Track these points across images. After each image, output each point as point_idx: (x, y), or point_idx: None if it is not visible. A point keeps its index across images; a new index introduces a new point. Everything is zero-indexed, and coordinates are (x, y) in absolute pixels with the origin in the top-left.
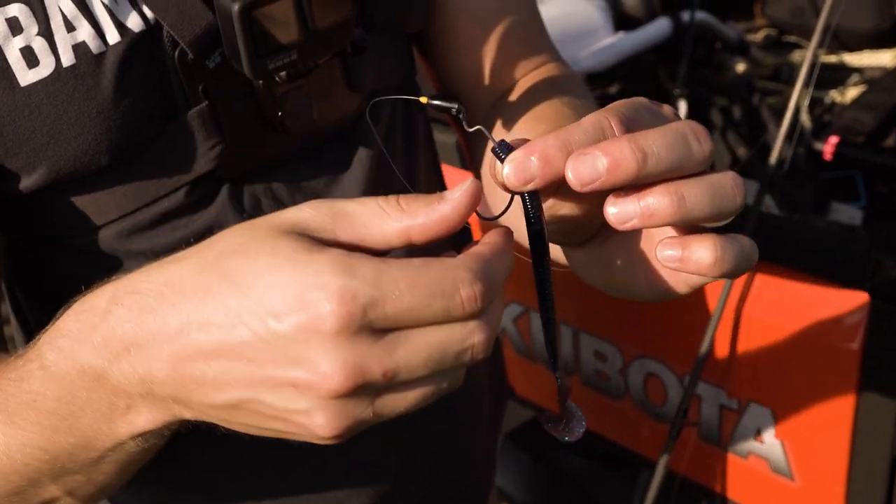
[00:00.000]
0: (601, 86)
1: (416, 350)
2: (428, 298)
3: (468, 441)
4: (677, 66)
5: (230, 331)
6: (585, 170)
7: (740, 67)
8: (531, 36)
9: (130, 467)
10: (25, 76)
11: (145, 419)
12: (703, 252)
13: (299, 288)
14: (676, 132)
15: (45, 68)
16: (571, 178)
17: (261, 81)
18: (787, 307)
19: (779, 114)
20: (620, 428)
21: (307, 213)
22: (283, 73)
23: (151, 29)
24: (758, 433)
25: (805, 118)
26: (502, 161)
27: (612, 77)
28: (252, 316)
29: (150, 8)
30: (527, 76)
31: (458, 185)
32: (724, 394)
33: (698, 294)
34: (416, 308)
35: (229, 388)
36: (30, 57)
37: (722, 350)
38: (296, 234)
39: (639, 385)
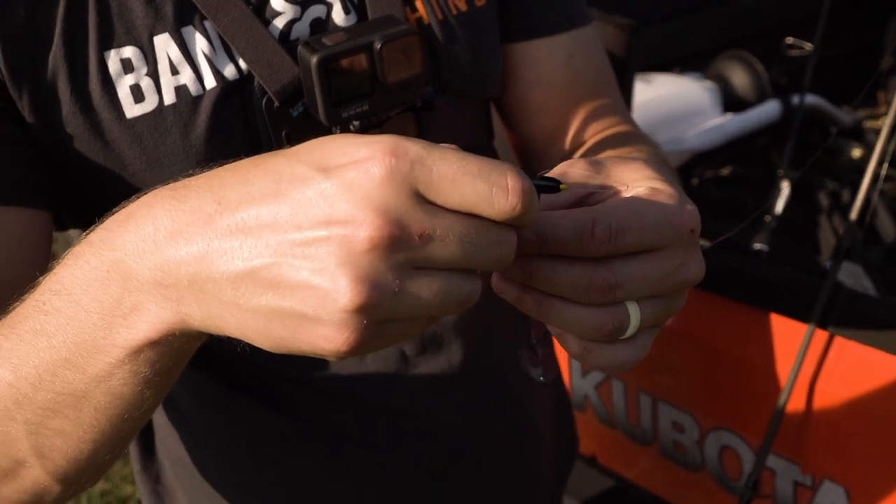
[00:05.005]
0: (713, 167)
1: (452, 224)
2: (474, 175)
3: (531, 495)
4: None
5: (273, 191)
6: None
7: (856, 153)
8: (603, 100)
9: (112, 425)
10: (132, 109)
11: (147, 323)
12: (570, 345)
13: (352, 146)
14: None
15: (150, 104)
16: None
17: (336, 128)
18: (863, 382)
19: (891, 201)
20: (698, 501)
21: None
22: (356, 123)
23: (244, 78)
24: None
25: None
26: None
27: (725, 159)
28: (299, 174)
29: (244, 60)
30: (598, 134)
31: None
32: (797, 469)
33: (772, 366)
34: (459, 180)
35: (255, 251)
36: (137, 93)
37: (796, 424)
38: None
39: (714, 457)
